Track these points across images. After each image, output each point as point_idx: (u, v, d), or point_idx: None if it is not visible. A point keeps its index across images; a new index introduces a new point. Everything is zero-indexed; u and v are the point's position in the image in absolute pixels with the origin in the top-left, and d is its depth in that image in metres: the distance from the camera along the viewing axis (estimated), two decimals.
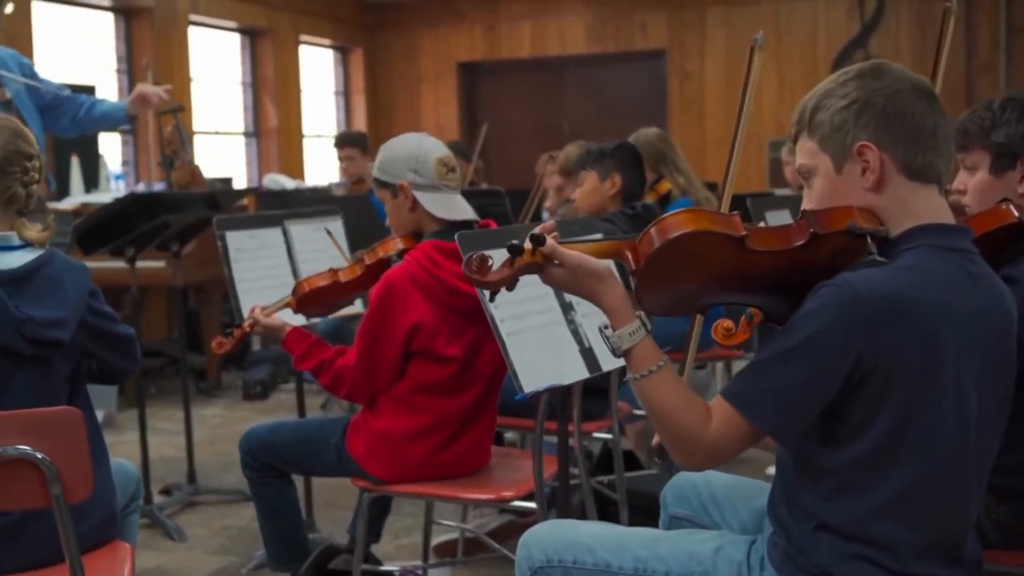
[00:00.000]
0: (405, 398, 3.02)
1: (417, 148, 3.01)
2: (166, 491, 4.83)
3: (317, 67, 11.58)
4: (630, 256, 1.76)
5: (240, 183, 9.88)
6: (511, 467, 3.24)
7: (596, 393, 3.65)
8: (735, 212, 1.79)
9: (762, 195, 5.99)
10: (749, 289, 1.85)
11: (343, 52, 11.96)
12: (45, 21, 8.10)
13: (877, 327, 1.69)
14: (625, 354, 1.81)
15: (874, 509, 1.77)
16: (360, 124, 11.95)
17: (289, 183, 9.29)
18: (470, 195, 5.58)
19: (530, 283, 2.25)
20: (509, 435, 4.40)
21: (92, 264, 4.31)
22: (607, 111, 11.29)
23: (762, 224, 1.87)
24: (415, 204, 3.00)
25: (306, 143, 10.95)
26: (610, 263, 1.83)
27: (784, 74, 10.95)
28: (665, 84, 11.35)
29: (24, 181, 2.50)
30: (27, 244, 2.50)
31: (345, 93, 12.03)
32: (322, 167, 11.12)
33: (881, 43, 10.77)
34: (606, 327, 1.82)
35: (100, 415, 6.03)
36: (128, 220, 4.22)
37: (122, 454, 4.66)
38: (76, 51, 8.45)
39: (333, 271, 3.19)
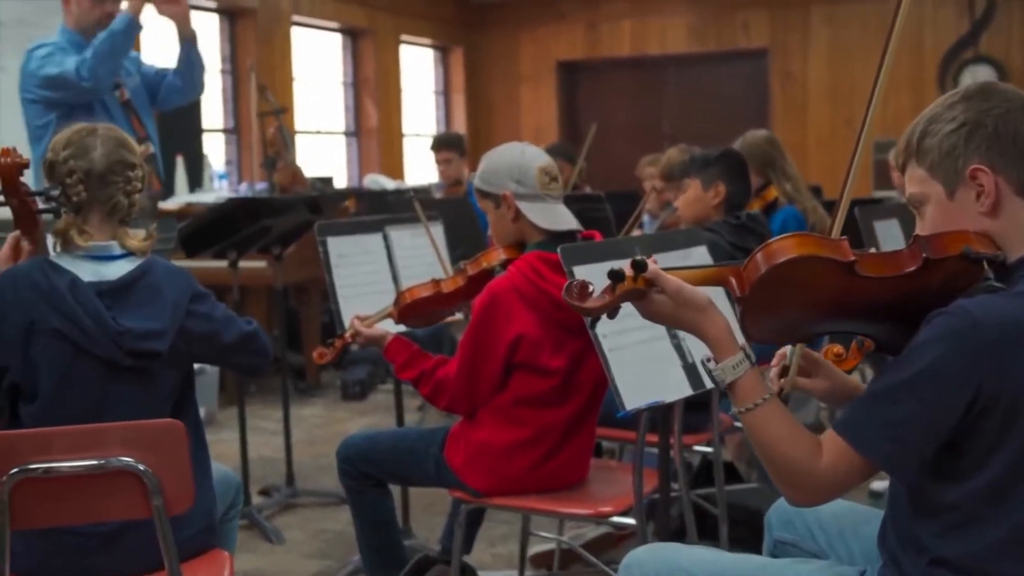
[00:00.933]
0: (506, 410, 2.99)
1: (519, 157, 2.98)
2: (265, 492, 4.86)
3: (417, 66, 11.63)
4: (735, 282, 1.70)
5: (341, 182, 9.96)
6: (610, 480, 3.20)
7: (697, 406, 3.58)
8: (844, 237, 1.72)
9: (869, 202, 5.86)
10: (859, 317, 1.78)
11: (443, 51, 12.00)
12: (150, 21, 8.23)
13: (997, 355, 1.62)
14: (729, 387, 1.75)
15: (993, 546, 1.69)
16: (459, 123, 11.98)
17: (389, 183, 9.34)
18: (571, 200, 5.57)
19: None
20: (607, 443, 4.35)
21: (193, 265, 4.40)
22: (708, 111, 11.17)
23: (872, 250, 1.79)
24: (518, 214, 2.96)
25: (406, 142, 11.00)
26: (711, 293, 1.77)
27: (890, 73, 10.69)
28: (767, 84, 11.18)
29: (127, 191, 2.52)
30: (129, 253, 2.52)
31: (445, 92, 12.06)
32: (422, 166, 11.17)
33: (992, 42, 10.49)
34: (709, 359, 1.76)
35: (201, 412, 6.14)
36: (231, 224, 4.26)
37: (220, 452, 4.73)
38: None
39: (436, 281, 3.17)
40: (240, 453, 4.60)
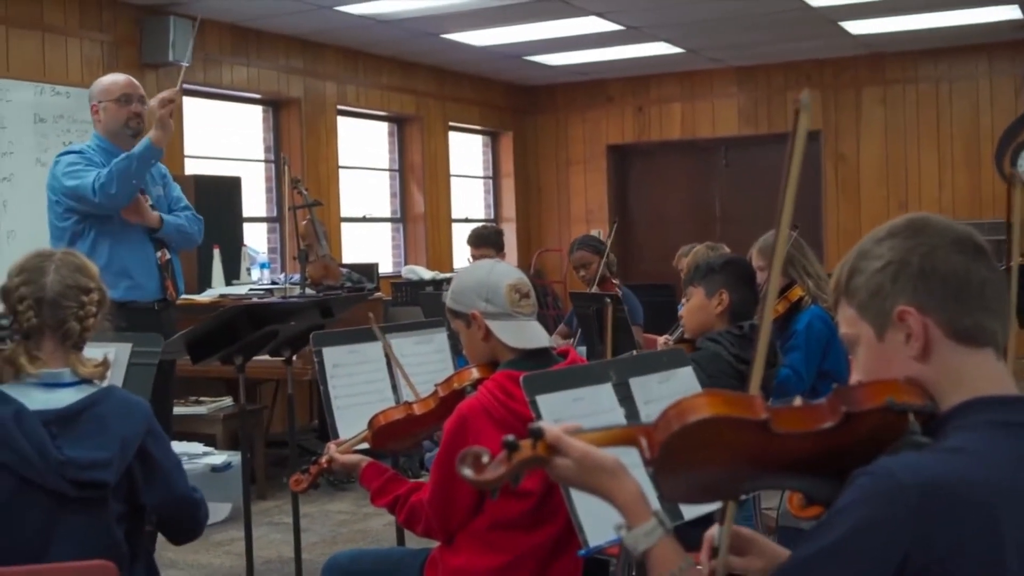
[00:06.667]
0: (482, 535, 2.88)
1: (487, 276, 2.91)
2: None
3: (466, 151, 11.67)
4: (645, 444, 1.60)
5: (386, 268, 9.97)
6: None
7: (699, 522, 3.43)
8: (759, 393, 1.61)
9: None
10: (783, 472, 1.66)
11: (493, 136, 12.03)
12: (195, 112, 8.35)
13: (924, 520, 1.48)
14: (643, 555, 1.64)
15: None
16: (509, 207, 11.98)
17: (427, 274, 9.32)
18: (590, 298, 5.48)
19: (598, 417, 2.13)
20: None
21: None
22: (760, 193, 11.03)
23: (798, 401, 1.67)
24: (488, 333, 2.88)
25: (455, 228, 11.00)
26: (618, 457, 1.66)
27: (944, 156, 10.55)
28: (820, 166, 11.04)
29: (79, 316, 2.48)
30: (81, 380, 2.48)
31: (494, 176, 12.08)
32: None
33: None
34: (620, 527, 1.65)
35: (227, 509, 6.10)
36: (235, 330, 4.22)
37: (240, 551, 4.66)
38: (224, 142, 8.68)
39: (408, 404, 3.10)
40: (245, 551, 4.49)
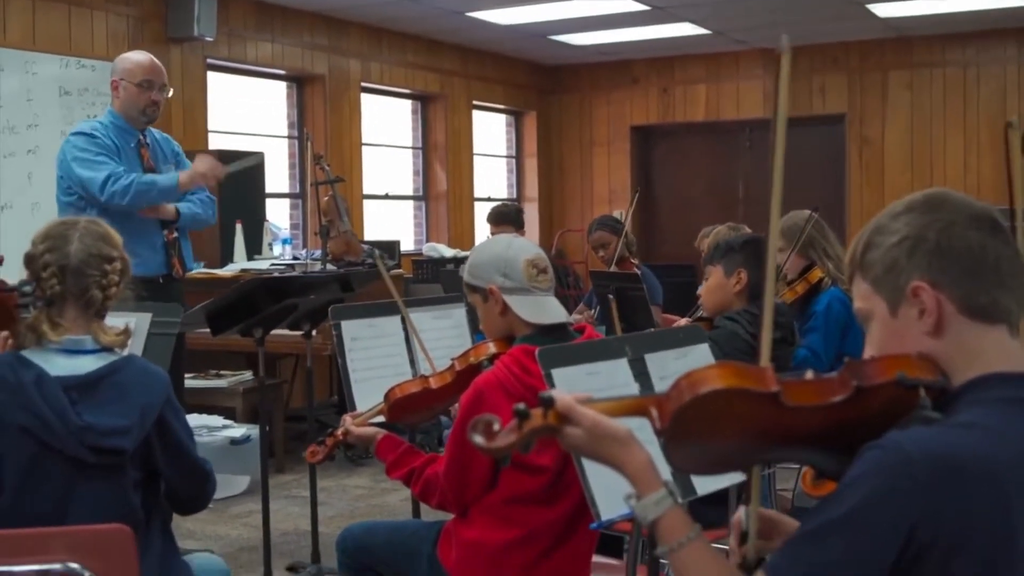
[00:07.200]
0: (498, 509, 2.90)
1: (505, 251, 2.91)
2: (293, 569, 4.82)
3: (489, 130, 11.66)
4: (656, 413, 1.60)
5: (408, 246, 9.99)
6: None
7: (714, 500, 3.44)
8: (769, 365, 1.62)
9: None
10: (793, 446, 1.66)
11: (516, 116, 12.02)
12: (219, 87, 8.38)
13: (932, 494, 1.49)
14: (651, 525, 1.65)
15: None
16: (532, 187, 11.97)
17: (448, 251, 9.33)
18: (610, 277, 5.49)
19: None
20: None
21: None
22: (784, 176, 10.97)
23: (809, 374, 1.68)
24: (505, 308, 2.89)
25: (476, 206, 11.01)
26: (629, 427, 1.67)
27: (970, 141, 10.47)
28: (844, 149, 10.99)
29: (101, 284, 2.51)
30: (103, 348, 2.50)
31: (517, 156, 12.07)
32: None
33: None
34: (630, 496, 1.66)
35: (245, 481, 6.15)
36: (255, 303, 4.25)
37: (258, 523, 4.70)
38: (248, 117, 8.71)
39: (424, 377, 3.11)
40: (263, 527, 4.53)
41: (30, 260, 2.52)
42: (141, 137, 4.92)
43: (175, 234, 4.94)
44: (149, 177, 4.73)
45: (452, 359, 3.09)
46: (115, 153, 4.76)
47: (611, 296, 4.67)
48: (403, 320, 3.86)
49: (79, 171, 4.68)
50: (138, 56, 4.96)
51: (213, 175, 4.87)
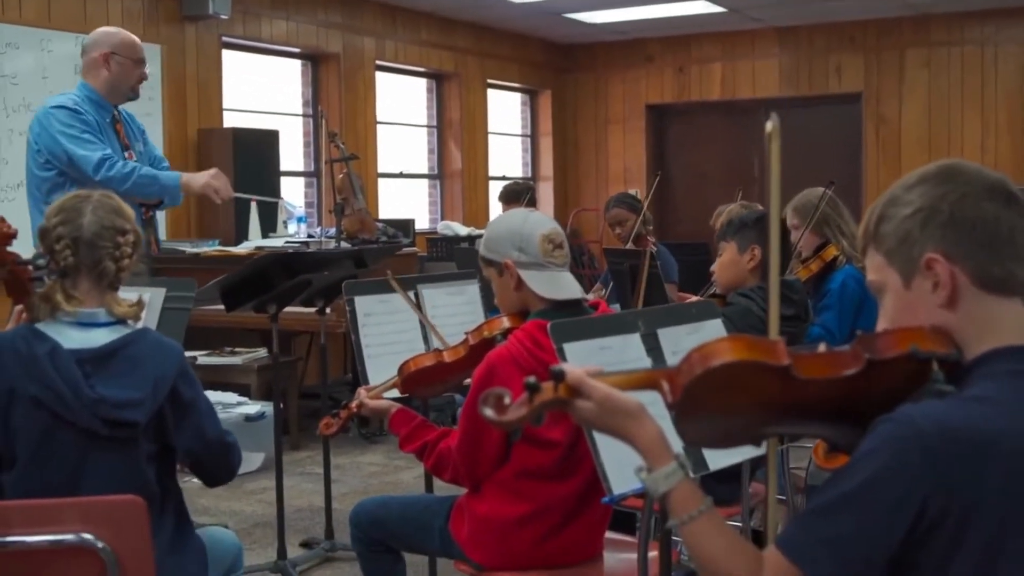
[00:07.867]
0: (509, 483, 2.91)
1: (521, 225, 2.90)
2: (306, 544, 4.84)
3: (504, 109, 11.64)
4: (667, 387, 1.60)
5: (422, 224, 10.00)
6: (623, 557, 3.09)
7: (728, 477, 3.44)
8: (781, 337, 1.61)
9: None
10: (805, 419, 1.66)
11: (531, 94, 11.99)
12: (233, 65, 8.38)
13: (944, 467, 1.49)
14: (662, 498, 1.64)
15: None
16: (547, 166, 11.95)
17: (462, 230, 9.33)
18: (624, 254, 5.47)
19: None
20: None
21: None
22: (800, 156, 10.93)
23: (822, 347, 1.67)
24: (520, 283, 2.89)
25: (491, 185, 11.00)
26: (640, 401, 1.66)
27: (988, 120, 10.41)
28: (861, 128, 10.93)
29: (115, 256, 2.51)
30: (116, 320, 2.51)
31: (532, 135, 12.05)
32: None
33: None
34: (641, 469, 1.66)
35: (259, 458, 6.17)
36: (269, 278, 4.26)
37: (272, 499, 4.73)
38: (263, 96, 8.71)
39: (438, 351, 3.12)
40: (276, 501, 4.55)
41: (44, 233, 2.52)
42: (115, 113, 4.81)
43: (151, 212, 4.88)
44: (151, 171, 4.68)
45: (466, 333, 3.09)
46: (97, 129, 4.64)
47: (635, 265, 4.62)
48: (416, 296, 3.87)
49: (70, 146, 4.52)
50: (125, 32, 4.86)
51: (226, 192, 4.81)
